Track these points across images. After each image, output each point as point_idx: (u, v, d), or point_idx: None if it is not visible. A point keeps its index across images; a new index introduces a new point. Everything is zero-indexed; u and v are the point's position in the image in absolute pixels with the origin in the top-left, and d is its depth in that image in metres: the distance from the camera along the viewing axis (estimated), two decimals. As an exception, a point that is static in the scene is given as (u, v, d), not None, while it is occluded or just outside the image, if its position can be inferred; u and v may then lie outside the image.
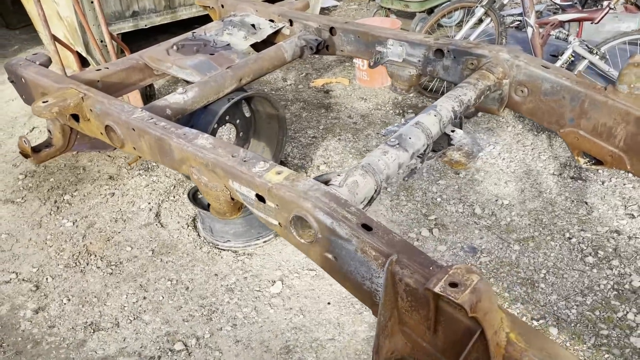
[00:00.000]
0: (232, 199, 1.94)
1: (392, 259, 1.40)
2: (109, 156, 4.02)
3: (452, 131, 2.13)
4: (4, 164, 4.07)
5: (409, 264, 1.38)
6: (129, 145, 2.26)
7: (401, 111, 4.37)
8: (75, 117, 2.41)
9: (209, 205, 3.19)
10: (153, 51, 2.87)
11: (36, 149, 2.61)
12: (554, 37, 4.07)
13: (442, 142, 2.17)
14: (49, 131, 2.62)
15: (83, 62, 4.96)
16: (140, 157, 3.77)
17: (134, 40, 5.75)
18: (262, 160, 1.78)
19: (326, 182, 1.78)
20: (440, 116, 2.09)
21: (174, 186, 3.60)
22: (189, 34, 3.06)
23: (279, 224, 1.73)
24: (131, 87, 2.87)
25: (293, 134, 4.14)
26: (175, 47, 2.89)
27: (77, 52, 5.03)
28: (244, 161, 1.80)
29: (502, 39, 4.22)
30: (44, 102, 2.30)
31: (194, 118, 2.68)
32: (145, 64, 2.87)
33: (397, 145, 1.91)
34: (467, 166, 2.04)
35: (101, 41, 4.95)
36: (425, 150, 2.02)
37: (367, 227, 1.50)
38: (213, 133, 2.65)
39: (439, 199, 3.27)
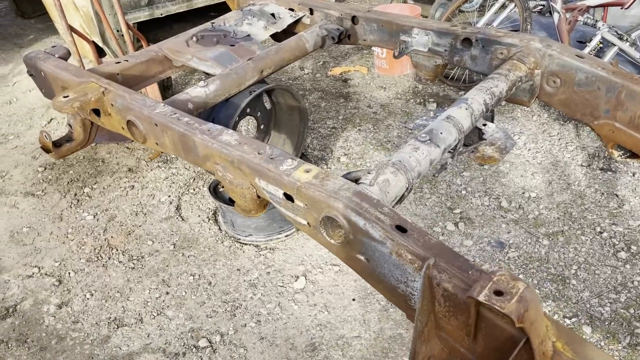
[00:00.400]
0: (258, 196, 1.90)
1: (429, 263, 1.36)
2: (128, 148, 4.01)
3: (484, 125, 2.06)
4: (23, 156, 4.08)
5: (446, 268, 1.33)
6: (151, 141, 2.23)
7: (422, 100, 4.28)
8: (96, 112, 2.38)
9: (230, 199, 3.17)
10: (172, 43, 2.82)
11: (57, 144, 2.59)
12: (581, 22, 3.95)
13: (472, 137, 2.11)
14: (69, 125, 2.59)
15: (99, 53, 4.94)
16: (161, 152, 3.75)
17: (150, 29, 5.71)
18: (290, 158, 1.74)
19: (356, 180, 1.73)
20: (471, 109, 2.02)
21: (194, 179, 3.58)
22: (208, 25, 3.00)
23: (308, 223, 1.69)
24: (151, 80, 2.83)
25: (312, 125, 4.08)
26: (194, 39, 2.84)
27: (94, 42, 5.01)
28: (271, 159, 1.76)
29: (527, 25, 4.09)
30: (64, 96, 2.27)
31: (215, 111, 2.63)
32: (165, 55, 2.82)
33: (429, 141, 1.85)
34: (499, 162, 1.98)
35: (117, 31, 4.92)
36: (456, 145, 1.96)
37: (401, 229, 1.45)
38: (234, 126, 2.61)
39: (463, 192, 3.21)
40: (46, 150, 2.59)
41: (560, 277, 2.58)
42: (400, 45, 2.73)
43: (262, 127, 3.11)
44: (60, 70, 2.52)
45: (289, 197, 1.71)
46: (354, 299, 2.58)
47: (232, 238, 3.04)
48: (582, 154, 3.46)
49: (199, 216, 3.24)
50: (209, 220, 3.20)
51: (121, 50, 4.75)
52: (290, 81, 4.84)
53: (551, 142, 3.61)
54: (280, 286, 2.69)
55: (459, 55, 2.61)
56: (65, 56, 2.73)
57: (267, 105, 3.05)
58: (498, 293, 1.17)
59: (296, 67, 5.18)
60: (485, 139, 2.03)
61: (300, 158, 3.24)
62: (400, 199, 1.79)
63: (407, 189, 1.76)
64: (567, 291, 2.51)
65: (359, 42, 3.03)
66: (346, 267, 2.33)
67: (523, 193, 3.16)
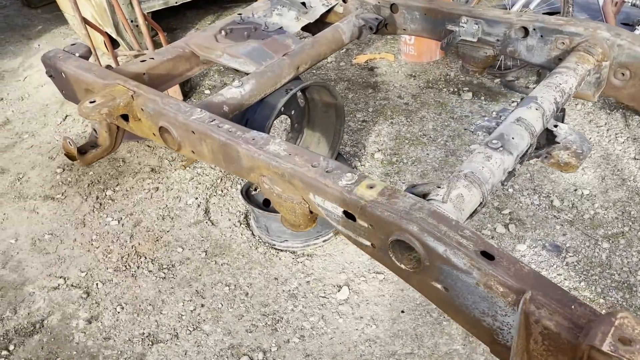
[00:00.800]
0: (311, 212, 1.75)
1: (526, 297, 1.21)
2: (149, 146, 3.86)
3: (555, 126, 1.89)
4: (40, 157, 3.95)
5: (545, 303, 1.18)
6: (187, 149, 2.08)
7: (455, 89, 4.09)
8: (124, 116, 2.23)
9: (264, 201, 3.03)
10: (200, 38, 2.65)
11: (82, 151, 2.44)
12: (629, 4, 3.72)
13: (540, 139, 1.94)
14: (94, 130, 2.45)
15: (112, 44, 4.77)
16: (196, 160, 3.60)
17: (162, 17, 5.53)
18: (348, 172, 1.58)
19: (424, 196, 1.57)
20: (542, 110, 1.85)
21: (221, 179, 3.43)
22: (236, 17, 2.83)
23: (372, 245, 1.54)
24: (178, 78, 2.67)
25: (341, 118, 3.91)
26: (223, 33, 2.66)
27: (107, 33, 4.84)
28: (327, 172, 1.60)
29: (569, 7, 3.87)
30: (91, 102, 2.12)
31: (249, 112, 2.47)
32: (192, 52, 2.66)
33: (501, 148, 1.68)
34: (578, 169, 1.81)
35: (132, 21, 4.74)
36: (527, 151, 1.79)
37: (488, 256, 1.30)
38: (269, 128, 2.45)
39: (510, 190, 3.04)
40: (71, 157, 2.45)
41: (625, 285, 2.42)
42: (447, 35, 2.55)
43: (295, 125, 2.95)
44: (83, 71, 2.36)
45: (350, 216, 1.56)
46: (402, 311, 2.44)
47: (267, 244, 2.90)
48: (635, 145, 3.27)
49: (230, 220, 3.10)
50: (241, 224, 3.06)
51: (137, 42, 4.59)
52: (314, 71, 4.66)
53: (599, 134, 3.42)
54: (322, 297, 2.56)
55: (513, 46, 2.42)
56: (86, 55, 2.58)
57: (301, 102, 2.89)
58: (625, 341, 1.02)
59: (318, 55, 4.98)
60: (558, 142, 1.85)
61: (336, 159, 3.09)
62: (472, 215, 1.63)
63: (480, 204, 1.60)
64: (634, 300, 2.35)
65: (399, 32, 2.85)
66: (391, 274, 2.19)
67: (575, 190, 2.99)
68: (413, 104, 3.98)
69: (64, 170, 3.76)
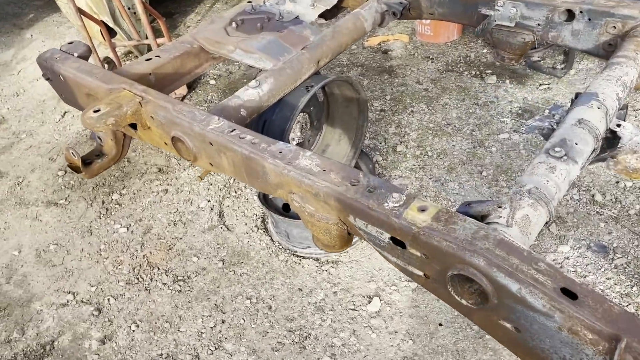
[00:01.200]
0: (349, 233, 1.58)
1: (621, 346, 1.04)
2: (154, 144, 3.67)
3: (618, 125, 1.69)
4: (39, 158, 3.77)
5: (644, 351, 1.01)
6: (204, 160, 1.90)
7: (478, 72, 3.88)
8: (132, 124, 2.04)
9: (283, 206, 2.86)
10: (209, 31, 2.44)
11: (86, 161, 2.26)
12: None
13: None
14: (98, 138, 2.26)
15: (109, 33, 4.55)
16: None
17: (160, 1, 5.29)
18: (394, 191, 1.40)
19: (483, 217, 1.40)
20: (605, 108, 1.66)
21: (234, 179, 3.26)
22: (246, 5, 2.61)
23: (425, 275, 1.37)
24: (187, 77, 2.47)
25: (357, 107, 3.71)
26: (234, 24, 2.45)
27: (103, 21, 4.61)
28: (369, 192, 1.42)
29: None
30: (95, 111, 1.93)
31: (267, 112, 2.28)
32: (201, 46, 2.45)
33: (565, 157, 1.49)
34: (648, 176, 1.62)
35: (129, 8, 4.51)
36: (590, 156, 1.61)
37: (570, 294, 1.12)
38: (290, 130, 2.26)
39: (546, 184, 2.85)
40: (75, 169, 2.27)
41: (682, 289, 2.26)
42: (482, 21, 2.34)
43: (315, 123, 2.75)
44: (84, 74, 2.16)
45: (398, 243, 1.38)
46: (440, 324, 2.28)
47: (288, 250, 2.73)
48: (677, 130, 3.08)
49: (246, 224, 2.94)
50: (258, 229, 2.90)
51: (135, 31, 4.37)
52: (324, 55, 4.42)
53: (637, 117, 3.22)
54: (352, 309, 2.40)
55: (557, 30, 2.22)
56: (86, 54, 2.37)
57: (320, 97, 2.69)
58: None
59: (327, 38, 4.75)
60: (624, 145, 1.67)
61: (359, 156, 2.90)
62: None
63: (546, 223, 1.42)
64: (693, 306, 2.20)
65: (425, 17, 2.64)
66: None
67: (617, 183, 2.81)
68: (433, 89, 3.78)
69: (65, 172, 3.59)
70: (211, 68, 4.42)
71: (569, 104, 1.82)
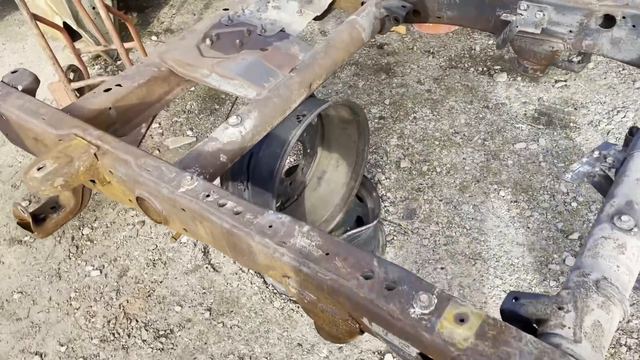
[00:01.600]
0: (361, 330, 1.27)
1: None
2: (128, 165, 3.32)
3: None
4: (0, 185, 3.41)
5: None
6: (176, 225, 1.58)
7: (485, 68, 3.54)
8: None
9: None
10: (179, 51, 2.07)
11: (38, 217, 1.92)
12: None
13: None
14: (53, 187, 1.92)
15: (72, 35, 4.16)
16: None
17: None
18: (422, 290, 1.09)
19: (539, 322, 1.09)
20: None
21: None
22: (221, 14, 2.24)
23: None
24: (156, 106, 2.11)
25: (353, 114, 3.37)
26: (208, 41, 2.09)
27: (65, 23, 4.20)
28: (388, 289, 1.12)
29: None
30: (39, 168, 1.59)
31: (253, 147, 1.94)
32: (170, 69, 2.09)
33: (636, 229, 1.18)
34: None
35: (93, 8, 4.11)
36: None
37: None
38: (281, 170, 1.93)
39: (574, 204, 2.55)
40: (25, 227, 1.93)
41: None
42: (499, 25, 2.00)
43: (308, 150, 2.42)
44: (29, 116, 1.80)
45: (429, 360, 1.08)
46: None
47: (283, 296, 2.42)
48: None
49: (235, 263, 2.62)
50: (248, 269, 2.58)
51: (101, 34, 3.97)
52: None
53: (667, 118, 2.92)
54: (362, 369, 2.11)
55: (592, 38, 1.90)
56: (32, 86, 2.00)
57: (313, 119, 2.35)
58: None
59: (316, 31, 4.38)
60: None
61: (361, 184, 2.56)
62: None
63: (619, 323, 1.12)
64: None
65: (431, 20, 2.30)
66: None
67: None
68: (437, 90, 3.44)
69: (30, 202, 3.24)
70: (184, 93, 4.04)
71: (622, 142, 1.51)
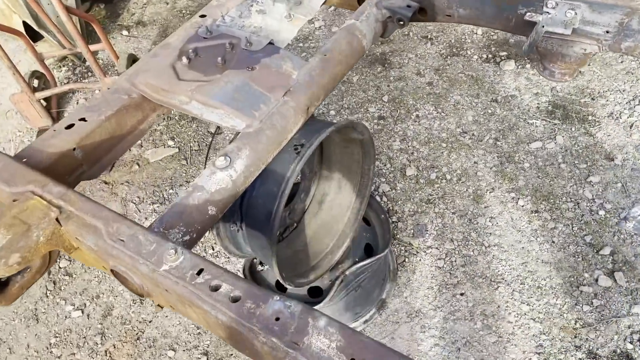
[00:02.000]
0: None
1: None
2: (106, 183, 3.05)
3: None
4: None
5: None
6: (161, 300, 1.33)
7: (490, 55, 3.27)
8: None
9: (277, 284, 2.30)
10: (151, 73, 1.79)
11: (1, 282, 1.67)
12: None
13: None
14: (15, 244, 1.66)
15: (33, 36, 3.82)
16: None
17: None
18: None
19: None
20: None
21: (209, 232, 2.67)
22: (198, 23, 1.94)
23: None
24: (128, 139, 1.83)
25: (349, 114, 3.11)
26: (185, 59, 1.80)
27: (25, 23, 3.84)
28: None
29: None
30: (-10, 241, 1.33)
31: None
32: (142, 95, 1.81)
33: None
34: None
35: (48, 4, 3.74)
36: None
37: None
38: (280, 212, 1.67)
39: (601, 212, 2.34)
40: (-14, 293, 1.68)
41: None
42: (521, 24, 1.75)
43: (307, 173, 2.17)
44: (-24, 169, 1.53)
45: None
46: None
47: (288, 334, 2.20)
48: None
49: (231, 297, 2.38)
50: None
51: (63, 36, 3.62)
52: (300, 44, 3.76)
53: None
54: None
55: (634, 40, 1.65)
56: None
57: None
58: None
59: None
60: None
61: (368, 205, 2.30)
62: None
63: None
64: None
65: (439, 19, 2.03)
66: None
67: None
68: (439, 83, 3.17)
69: None
70: (161, 120, 3.73)
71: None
